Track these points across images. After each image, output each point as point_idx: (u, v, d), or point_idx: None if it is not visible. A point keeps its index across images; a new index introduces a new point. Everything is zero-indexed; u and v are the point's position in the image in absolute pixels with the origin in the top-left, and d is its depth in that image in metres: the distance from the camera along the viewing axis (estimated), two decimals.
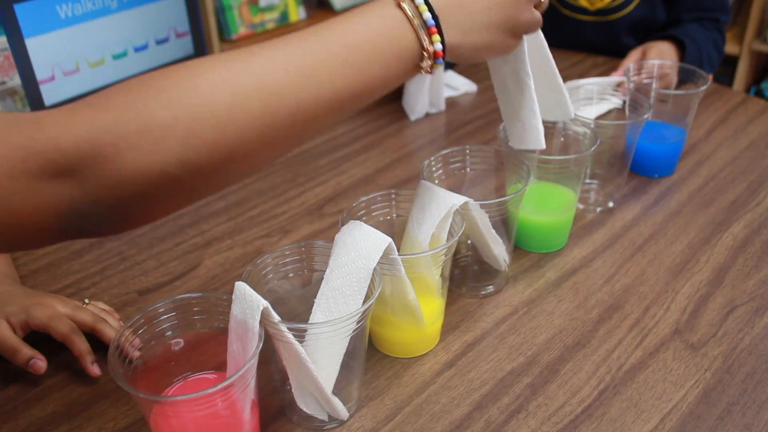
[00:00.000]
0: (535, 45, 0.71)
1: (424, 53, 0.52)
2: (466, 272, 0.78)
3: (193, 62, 0.46)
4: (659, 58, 1.13)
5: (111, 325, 0.68)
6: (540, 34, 0.69)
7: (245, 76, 0.45)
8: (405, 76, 0.53)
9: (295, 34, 0.49)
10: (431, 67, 0.53)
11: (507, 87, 0.69)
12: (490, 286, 0.77)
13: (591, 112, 0.97)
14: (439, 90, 1.15)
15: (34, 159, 0.41)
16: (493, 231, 0.71)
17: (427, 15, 0.51)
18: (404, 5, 0.51)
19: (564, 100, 0.76)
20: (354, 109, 0.51)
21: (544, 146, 0.70)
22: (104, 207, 0.43)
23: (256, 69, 0.46)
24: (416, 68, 0.53)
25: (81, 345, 0.65)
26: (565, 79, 1.23)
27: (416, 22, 0.51)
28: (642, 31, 1.33)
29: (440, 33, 0.52)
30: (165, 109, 0.43)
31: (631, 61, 1.16)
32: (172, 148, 0.43)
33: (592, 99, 0.96)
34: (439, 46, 0.52)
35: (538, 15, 0.61)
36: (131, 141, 0.42)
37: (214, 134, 0.44)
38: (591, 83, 0.99)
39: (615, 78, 1.10)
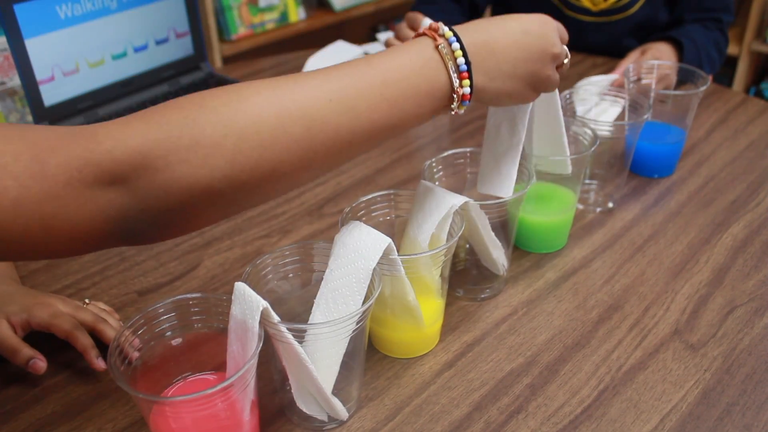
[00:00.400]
0: (548, 101, 0.73)
1: (454, 95, 0.55)
2: (464, 276, 0.78)
3: (241, 85, 0.49)
4: (657, 58, 1.13)
5: (111, 326, 0.68)
6: (556, 91, 0.70)
7: (290, 101, 0.49)
8: (434, 113, 0.56)
9: (336, 66, 0.52)
10: (458, 107, 0.56)
11: (499, 131, 0.70)
12: (488, 290, 0.77)
13: (602, 114, 0.97)
14: None
15: (90, 169, 0.44)
16: (493, 234, 0.71)
17: (461, 60, 0.54)
18: (441, 48, 0.54)
19: (563, 158, 0.77)
20: (385, 140, 0.54)
21: (509, 196, 0.70)
22: (151, 215, 0.47)
23: (300, 96, 0.49)
24: (445, 108, 0.56)
25: (85, 340, 0.65)
26: (565, 79, 1.24)
27: (451, 66, 0.54)
28: (644, 33, 1.33)
29: (470, 77, 0.55)
30: (215, 127, 0.46)
31: (630, 62, 1.16)
32: (218, 164, 0.46)
33: (602, 102, 0.96)
34: (467, 90, 0.55)
35: (557, 76, 0.63)
36: (181, 155, 0.45)
37: (258, 153, 0.47)
38: (595, 82, 0.98)
39: (613, 76, 1.10)
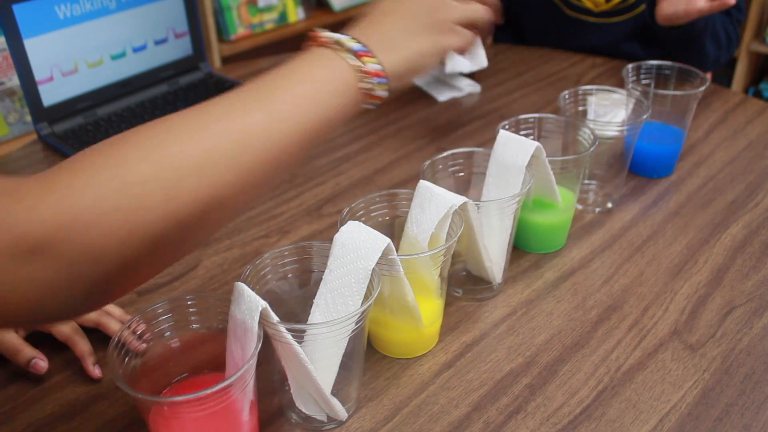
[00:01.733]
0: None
1: (362, 75, 0.56)
2: (464, 276, 0.78)
3: (161, 119, 0.47)
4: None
5: (115, 318, 0.68)
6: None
7: (215, 122, 0.47)
8: (357, 104, 0.57)
9: (242, 87, 0.52)
10: (377, 86, 0.57)
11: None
12: (487, 290, 0.77)
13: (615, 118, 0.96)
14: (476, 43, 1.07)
15: (2, 236, 0.37)
16: (484, 242, 0.71)
17: (351, 44, 0.56)
18: (330, 45, 0.56)
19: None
20: (318, 142, 0.54)
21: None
22: (85, 282, 0.41)
23: (221, 113, 0.48)
24: (363, 93, 0.57)
25: (83, 346, 0.66)
26: (564, 79, 1.24)
27: (343, 54, 0.56)
28: (645, 37, 1.32)
29: (374, 56, 0.57)
30: (143, 162, 0.42)
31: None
32: (154, 201, 0.42)
33: (610, 109, 0.96)
34: (373, 66, 0.56)
35: (464, 19, 0.65)
36: (112, 200, 0.40)
37: (194, 181, 0.44)
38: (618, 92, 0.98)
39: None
